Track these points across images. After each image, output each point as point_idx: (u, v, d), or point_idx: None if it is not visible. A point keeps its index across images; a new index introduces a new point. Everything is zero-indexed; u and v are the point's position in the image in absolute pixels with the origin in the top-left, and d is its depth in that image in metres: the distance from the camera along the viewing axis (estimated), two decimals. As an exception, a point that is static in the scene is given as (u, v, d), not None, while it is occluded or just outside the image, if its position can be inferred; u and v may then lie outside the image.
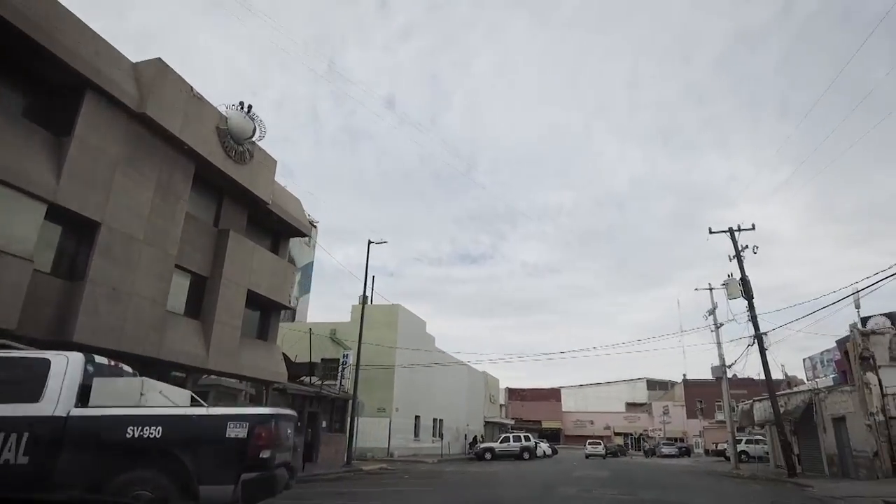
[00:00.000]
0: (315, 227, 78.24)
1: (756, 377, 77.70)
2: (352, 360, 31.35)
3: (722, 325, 31.15)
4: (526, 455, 35.68)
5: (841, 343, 27.64)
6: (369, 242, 23.62)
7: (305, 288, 65.47)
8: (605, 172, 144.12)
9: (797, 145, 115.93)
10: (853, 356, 18.87)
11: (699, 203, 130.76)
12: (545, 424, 77.13)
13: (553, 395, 79.48)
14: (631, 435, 72.46)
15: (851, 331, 19.13)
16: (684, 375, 79.24)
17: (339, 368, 24.63)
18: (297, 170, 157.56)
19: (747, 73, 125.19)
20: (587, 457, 47.26)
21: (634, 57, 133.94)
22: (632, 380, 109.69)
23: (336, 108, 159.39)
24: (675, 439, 63.34)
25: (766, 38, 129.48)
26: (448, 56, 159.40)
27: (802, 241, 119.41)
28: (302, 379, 22.89)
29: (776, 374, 40.14)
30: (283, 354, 22.44)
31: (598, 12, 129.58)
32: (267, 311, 19.47)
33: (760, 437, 39.14)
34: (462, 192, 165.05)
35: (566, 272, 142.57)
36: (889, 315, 20.94)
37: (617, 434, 76.06)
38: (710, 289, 32.68)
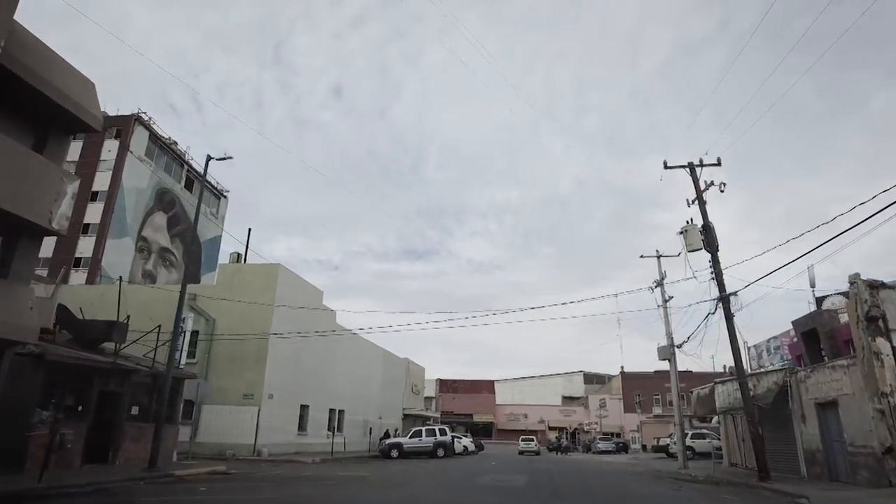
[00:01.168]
0: (225, 196, 70.01)
1: (697, 370, 75.36)
2: (213, 332, 24.42)
3: (671, 298, 26.24)
4: (441, 452, 29.81)
5: (800, 323, 23.30)
6: (208, 159, 16.82)
7: (211, 265, 57.44)
8: (551, 172, 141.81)
9: (732, 153, 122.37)
10: (856, 317, 13.81)
11: (638, 205, 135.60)
12: (477, 418, 71.95)
13: (486, 387, 74.36)
14: (566, 429, 68.21)
15: (853, 283, 14.06)
16: (622, 368, 75.94)
17: (179, 338, 17.71)
18: (240, 158, 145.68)
19: (688, 82, 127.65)
20: (521, 453, 43.10)
21: (582, 60, 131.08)
22: (568, 373, 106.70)
23: (281, 96, 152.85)
24: (612, 434, 59.36)
25: (705, 49, 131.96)
26: (398, 48, 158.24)
27: (735, 245, 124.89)
28: (103, 348, 15.92)
29: (707, 368, 35.67)
30: (63, 308, 15.38)
31: (549, 13, 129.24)
32: (12, 235, 12.52)
33: (707, 431, 34.62)
34: (409, 187, 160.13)
35: (510, 269, 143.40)
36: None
37: (552, 428, 71.77)
38: (658, 256, 27.75)
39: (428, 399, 74.63)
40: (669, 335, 25.77)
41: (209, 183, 61.67)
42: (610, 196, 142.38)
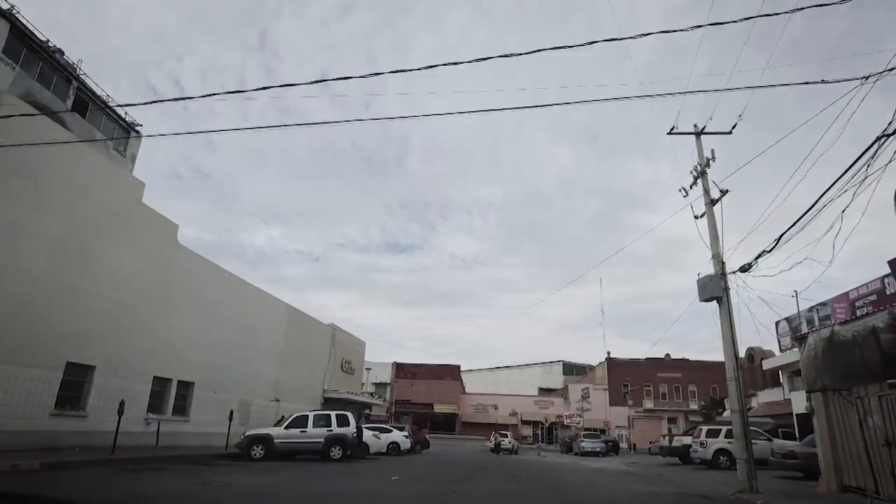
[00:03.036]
0: (137, 132, 57.34)
1: (698, 357, 64.62)
2: None
3: (725, 192, 15.02)
4: (336, 452, 18.57)
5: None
6: None
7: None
8: (535, 170, 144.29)
9: (720, 154, 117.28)
10: None
11: (621, 205, 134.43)
12: (438, 409, 60.83)
13: (451, 373, 63.20)
14: (542, 424, 57.46)
15: None
16: (608, 353, 65.45)
17: None
18: (223, 145, 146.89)
19: (672, 84, 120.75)
20: (494, 451, 34.54)
21: (569, 59, 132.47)
22: (547, 362, 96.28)
23: (265, 82, 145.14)
24: (598, 431, 48.53)
25: (691, 52, 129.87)
26: (386, 39, 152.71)
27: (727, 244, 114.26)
28: None
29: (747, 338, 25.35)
30: None
31: (537, 10, 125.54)
32: None
33: (757, 429, 23.12)
34: (393, 179, 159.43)
35: (492, 266, 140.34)
36: None
37: (525, 422, 60.97)
38: (697, 133, 16.65)
39: (381, 385, 63.44)
40: (718, 256, 14.59)
41: (111, 110, 49.70)
42: (594, 195, 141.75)
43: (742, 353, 45.94)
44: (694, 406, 61.96)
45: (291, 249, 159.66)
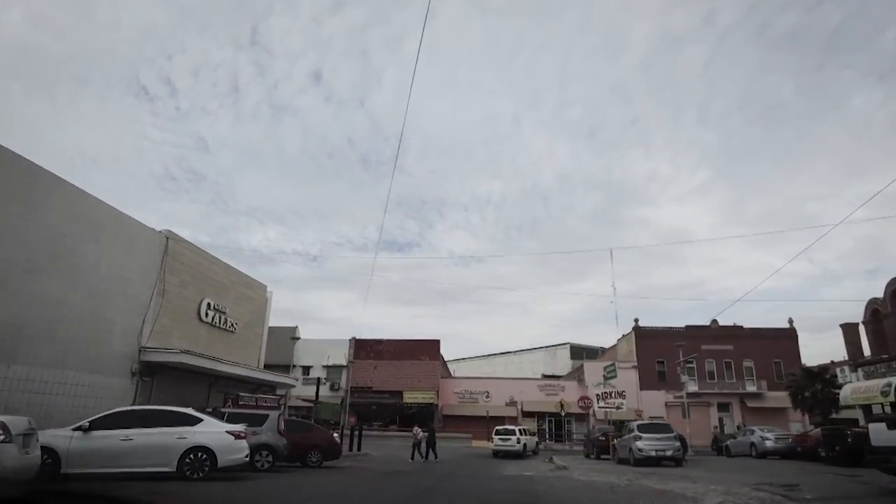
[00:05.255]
0: None
1: (748, 326, 49.18)
2: None
3: None
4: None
5: None
6: None
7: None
8: (533, 165, 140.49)
9: (714, 150, 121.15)
10: None
11: (620, 200, 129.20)
12: (410, 398, 45.48)
13: (427, 349, 47.79)
14: (559, 413, 42.11)
15: None
16: (636, 321, 50.02)
17: None
18: (215, 145, 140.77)
19: (670, 77, 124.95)
20: (497, 454, 25.25)
21: (564, 52, 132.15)
22: (552, 346, 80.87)
23: (258, 79, 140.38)
24: (656, 421, 32.74)
25: (688, 44, 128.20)
26: (380, 34, 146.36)
27: (716, 241, 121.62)
28: None
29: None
30: None
31: (531, 4, 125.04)
32: None
33: None
34: (390, 177, 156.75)
35: (491, 262, 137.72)
36: None
37: (527, 414, 45.66)
38: None
39: (335, 368, 48.13)
40: None
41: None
42: (591, 190, 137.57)
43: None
44: (752, 387, 46.56)
45: (289, 249, 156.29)
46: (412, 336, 49.44)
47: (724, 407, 45.35)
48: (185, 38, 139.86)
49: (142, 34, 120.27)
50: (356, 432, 25.00)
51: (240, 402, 16.88)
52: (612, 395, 24.72)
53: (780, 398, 45.88)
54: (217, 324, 21.73)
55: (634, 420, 25.94)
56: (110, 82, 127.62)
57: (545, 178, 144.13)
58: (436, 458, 21.08)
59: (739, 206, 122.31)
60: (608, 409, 24.56)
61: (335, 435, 15.99)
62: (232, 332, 23.00)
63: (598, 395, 26.01)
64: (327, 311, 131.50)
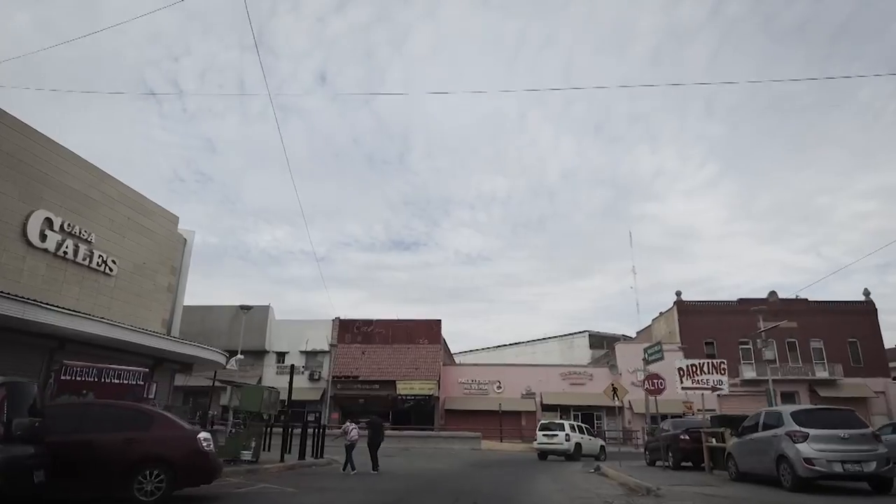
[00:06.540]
0: None
1: (814, 299, 40.42)
2: None
3: None
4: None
5: None
6: None
7: None
8: (539, 162, 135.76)
9: (722, 143, 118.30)
10: None
11: (627, 196, 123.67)
12: (404, 389, 37.18)
13: (426, 331, 39.52)
14: (572, 409, 33.72)
15: None
16: (678, 293, 41.61)
17: None
18: (223, 146, 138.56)
19: (677, 71, 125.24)
20: (542, 456, 22.06)
21: (570, 47, 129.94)
22: (568, 335, 72.37)
23: (264, 80, 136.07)
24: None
25: (695, 38, 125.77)
26: (384, 32, 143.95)
27: (724, 236, 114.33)
28: None
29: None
30: None
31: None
32: None
33: None
34: (396, 176, 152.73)
35: (497, 260, 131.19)
36: None
37: (547, 408, 37.35)
38: None
39: (315, 355, 39.97)
40: None
41: None
42: (598, 186, 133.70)
43: None
44: (823, 373, 38.08)
45: (296, 249, 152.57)
46: (408, 317, 41.02)
47: (788, 397, 36.88)
48: (192, 41, 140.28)
49: (148, 38, 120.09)
50: (319, 431, 16.99)
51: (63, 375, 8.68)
52: (706, 367, 16.44)
53: (858, 386, 37.48)
54: (67, 255, 13.56)
55: (766, 408, 16.35)
56: (116, 85, 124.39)
57: (551, 174, 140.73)
58: (375, 468, 14.42)
59: (750, 198, 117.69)
60: (702, 390, 16.33)
61: (204, 438, 7.77)
62: (106, 273, 14.83)
63: (700, 370, 17.41)
64: (336, 311, 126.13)
